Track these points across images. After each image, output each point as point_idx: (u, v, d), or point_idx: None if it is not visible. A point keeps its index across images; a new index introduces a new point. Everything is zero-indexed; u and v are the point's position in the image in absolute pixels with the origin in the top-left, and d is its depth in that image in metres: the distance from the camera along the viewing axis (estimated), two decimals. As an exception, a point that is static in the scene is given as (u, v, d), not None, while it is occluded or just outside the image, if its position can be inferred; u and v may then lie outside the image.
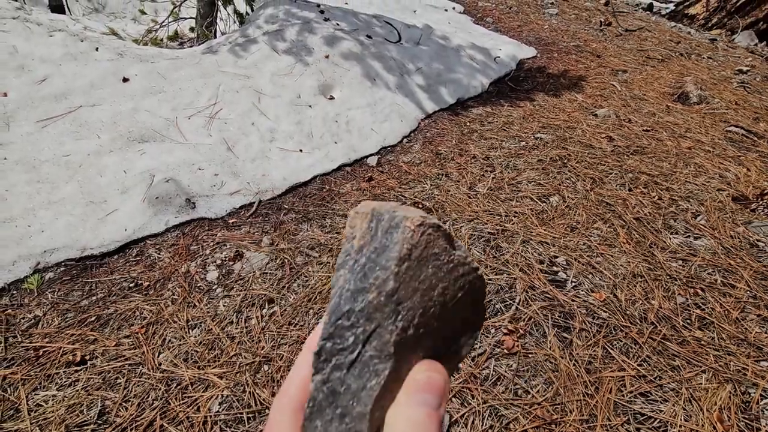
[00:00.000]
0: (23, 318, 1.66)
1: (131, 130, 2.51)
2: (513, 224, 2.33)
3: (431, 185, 2.69)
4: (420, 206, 2.45)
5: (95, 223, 2.07)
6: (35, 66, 2.62)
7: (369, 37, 3.93)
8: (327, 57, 3.48)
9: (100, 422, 1.34)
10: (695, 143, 3.27)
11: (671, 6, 8.67)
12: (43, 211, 2.04)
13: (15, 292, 1.77)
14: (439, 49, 4.32)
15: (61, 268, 1.90)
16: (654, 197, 2.59)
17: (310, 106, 3.13)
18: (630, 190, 2.66)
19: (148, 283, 1.87)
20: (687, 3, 7.86)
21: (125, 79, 2.77)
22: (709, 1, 7.39)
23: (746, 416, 1.42)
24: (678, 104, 4.01)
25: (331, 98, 3.29)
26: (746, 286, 1.95)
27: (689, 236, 2.28)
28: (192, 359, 1.55)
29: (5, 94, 2.44)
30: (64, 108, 2.51)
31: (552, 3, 7.04)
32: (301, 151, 2.83)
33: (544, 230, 2.28)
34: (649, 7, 8.09)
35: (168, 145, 2.52)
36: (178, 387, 1.45)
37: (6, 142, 2.26)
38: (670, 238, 2.25)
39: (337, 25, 3.94)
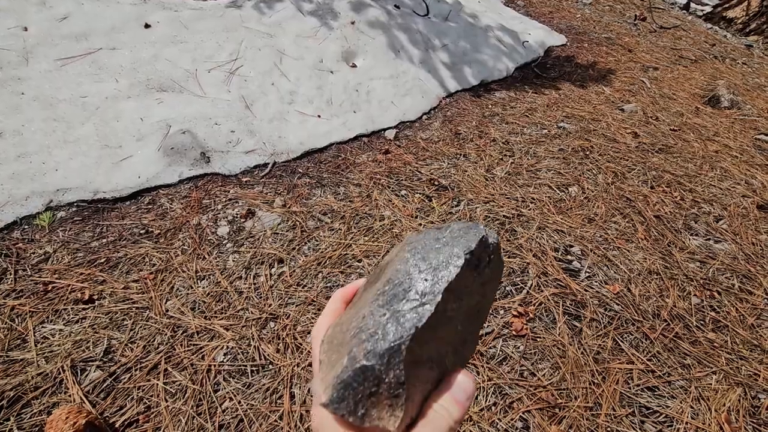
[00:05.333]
0: (33, 253, 1.65)
1: (150, 78, 2.46)
2: (529, 210, 2.28)
3: (448, 164, 2.63)
4: (436, 183, 2.41)
5: (109, 167, 2.04)
6: (57, 2, 2.55)
7: (397, 7, 3.81)
8: (353, 23, 3.38)
9: (105, 360, 1.34)
10: (722, 147, 3.18)
11: (708, 7, 8.37)
12: (58, 150, 2.01)
13: (26, 227, 1.75)
14: (467, 27, 4.18)
15: (73, 209, 1.88)
16: (676, 197, 2.52)
17: (331, 71, 3.06)
18: (652, 187, 2.59)
19: (158, 231, 1.85)
20: (726, 5, 7.58)
21: (147, 26, 2.70)
22: (750, 5, 7.12)
23: (754, 420, 1.40)
24: (708, 107, 3.89)
25: (354, 66, 3.21)
26: (764, 293, 1.91)
27: (710, 239, 2.23)
28: (199, 309, 1.54)
29: (26, 29, 2.39)
30: (83, 49, 2.45)
31: (587, -8, 6.80)
32: (319, 116, 2.77)
33: (561, 219, 2.24)
34: (686, 7, 7.81)
35: (186, 96, 2.47)
36: (184, 334, 1.45)
37: (24, 77, 2.21)
38: (689, 239, 2.20)
39: (366, -9, 3.81)
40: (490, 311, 1.67)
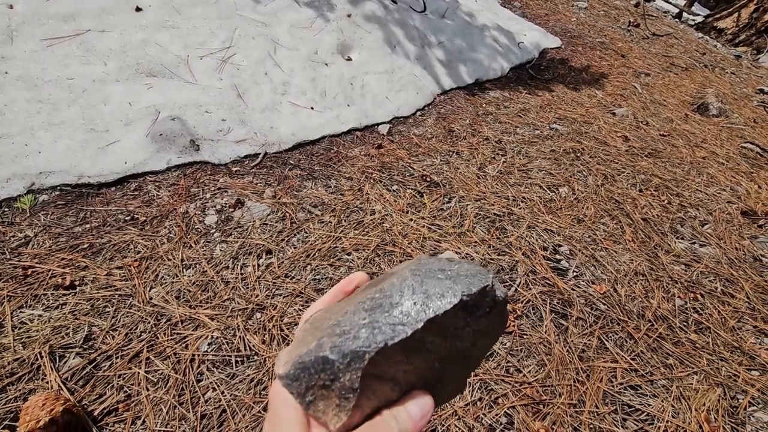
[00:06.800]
0: (13, 236, 1.60)
1: (140, 62, 2.40)
2: (520, 209, 2.29)
3: (441, 161, 2.63)
4: (428, 179, 2.40)
5: (95, 152, 1.99)
6: (45, -19, 2.47)
7: (394, 2, 3.79)
8: (349, 16, 3.35)
9: (86, 347, 1.31)
10: (710, 154, 3.24)
11: (700, 17, 8.50)
12: (42, 132, 1.96)
13: (6, 209, 1.70)
14: (463, 26, 4.18)
15: (56, 192, 1.83)
16: (664, 201, 2.56)
17: (326, 64, 3.03)
18: (641, 190, 2.62)
19: (144, 218, 1.81)
20: (717, 16, 7.71)
21: (138, 9, 2.64)
22: (740, 17, 7.25)
23: (733, 420, 1.42)
24: (697, 114, 3.96)
25: (349, 59, 3.19)
26: (746, 297, 1.95)
27: (695, 243, 2.26)
28: (184, 298, 1.52)
29: (11, 7, 2.31)
30: (71, 29, 2.39)
31: (582, -3, 6.85)
32: (312, 108, 2.74)
33: (551, 218, 2.25)
34: (678, 16, 7.93)
35: (176, 82, 2.42)
36: (168, 323, 1.42)
37: (8, 56, 2.15)
38: (675, 242, 2.23)
39: (364, -15, 3.78)
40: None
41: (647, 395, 1.48)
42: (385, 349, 0.31)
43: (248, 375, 1.34)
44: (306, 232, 1.92)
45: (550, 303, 1.77)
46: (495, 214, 2.22)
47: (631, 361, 1.58)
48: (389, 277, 0.38)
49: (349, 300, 0.38)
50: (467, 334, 0.36)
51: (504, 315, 0.39)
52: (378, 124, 2.90)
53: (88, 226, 1.72)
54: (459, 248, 1.95)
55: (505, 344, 1.57)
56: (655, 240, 2.22)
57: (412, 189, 2.31)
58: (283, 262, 1.74)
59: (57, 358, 1.27)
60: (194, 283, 1.58)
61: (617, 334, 1.68)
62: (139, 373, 1.28)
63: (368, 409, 0.33)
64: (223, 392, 1.28)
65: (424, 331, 0.33)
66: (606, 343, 1.64)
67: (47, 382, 1.21)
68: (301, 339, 0.35)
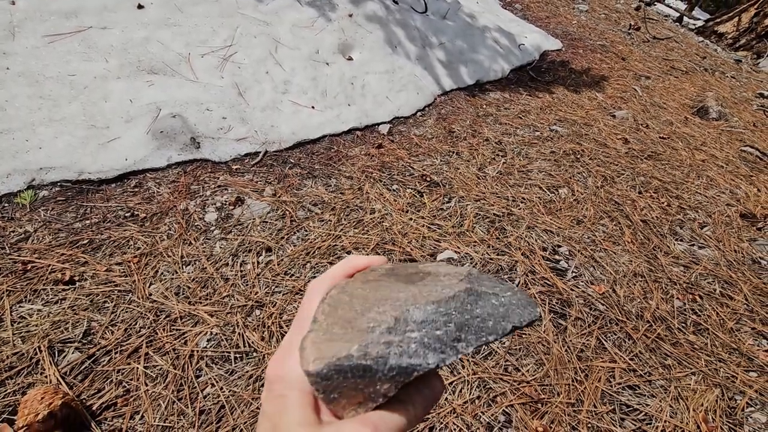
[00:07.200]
0: (13, 231, 1.60)
1: (141, 60, 2.41)
2: (519, 209, 2.29)
3: (441, 161, 2.63)
4: (428, 179, 2.41)
5: (96, 148, 1.99)
6: (47, -22, 2.48)
7: (395, 2, 3.80)
8: (350, 16, 3.36)
9: (85, 341, 1.31)
10: (709, 157, 3.24)
11: (701, 21, 8.53)
12: (43, 128, 1.96)
13: (6, 205, 1.70)
14: (464, 27, 4.19)
15: (56, 188, 1.83)
16: (663, 203, 2.56)
17: (327, 63, 3.03)
18: (640, 192, 2.63)
19: (144, 215, 1.81)
20: (717, 20, 7.74)
21: (140, 6, 2.65)
22: (740, 21, 7.27)
23: (731, 421, 1.42)
24: (696, 117, 3.97)
25: (350, 59, 3.19)
26: (744, 299, 1.95)
27: (694, 245, 2.27)
28: (183, 294, 1.52)
29: (13, 2, 2.32)
30: (73, 26, 2.39)
31: None
32: (313, 108, 2.75)
33: (550, 219, 2.25)
34: (679, 20, 7.95)
35: (178, 80, 2.43)
36: (167, 319, 1.42)
37: (10, 52, 2.15)
38: (674, 244, 2.24)
39: (365, -15, 3.79)
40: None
41: (645, 395, 1.48)
42: (434, 368, 0.30)
43: (247, 371, 1.34)
44: (306, 231, 1.92)
45: (549, 303, 1.77)
46: (494, 214, 2.22)
47: (630, 361, 1.58)
48: (433, 282, 0.35)
49: (376, 287, 0.35)
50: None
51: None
52: (378, 124, 2.91)
53: (88, 222, 1.72)
54: (458, 248, 1.95)
55: (504, 343, 1.57)
56: (654, 241, 2.22)
57: (412, 189, 2.31)
58: (282, 260, 1.74)
59: (56, 352, 1.27)
60: (194, 279, 1.58)
61: (616, 335, 1.69)
62: (137, 368, 1.28)
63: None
64: (221, 388, 1.28)
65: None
66: (604, 343, 1.64)
67: (46, 377, 1.21)
68: (326, 327, 0.32)
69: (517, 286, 1.80)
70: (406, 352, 0.29)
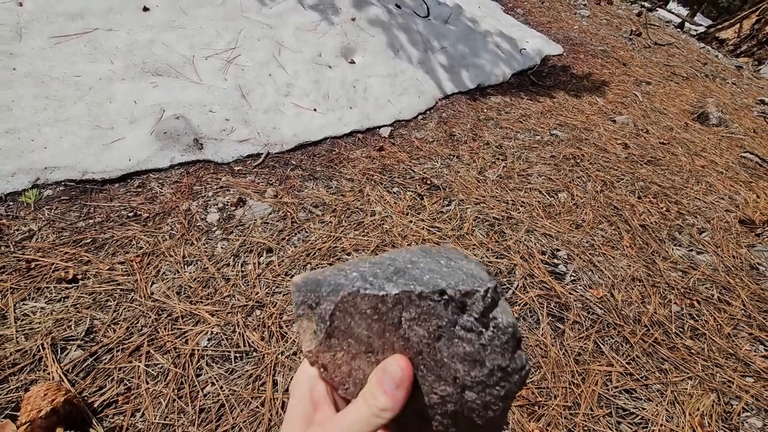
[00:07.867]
0: (17, 230, 1.62)
1: (146, 61, 2.43)
2: (519, 213, 2.31)
3: (441, 164, 2.65)
4: (428, 182, 2.42)
5: (100, 148, 2.01)
6: (54, -20, 2.51)
7: (398, 6, 3.83)
8: (353, 20, 3.38)
9: (87, 339, 1.32)
10: (709, 163, 3.26)
11: (702, 27, 8.56)
12: (48, 128, 1.98)
13: (11, 203, 1.72)
14: (466, 31, 4.22)
15: (61, 188, 1.85)
16: (662, 208, 2.58)
17: (330, 66, 3.06)
18: (639, 197, 2.64)
19: (147, 215, 1.83)
20: (719, 27, 7.76)
21: (145, 9, 2.67)
22: (742, 28, 7.30)
23: (726, 425, 1.43)
24: (697, 123, 3.98)
25: (352, 62, 3.22)
26: (742, 305, 1.96)
27: (692, 250, 2.28)
28: (185, 293, 1.53)
29: (21, 4, 2.35)
30: (79, 28, 2.42)
31: (584, 4, 6.91)
32: (315, 110, 2.77)
33: (550, 223, 2.27)
34: (681, 26, 7.98)
35: (182, 82, 2.45)
36: (169, 318, 1.44)
37: (17, 53, 2.17)
38: (673, 249, 2.25)
39: (368, -10, 3.82)
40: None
41: (642, 399, 1.49)
42: (357, 295, 0.34)
43: (247, 371, 1.35)
44: (306, 232, 1.93)
45: (547, 306, 1.78)
46: (494, 217, 2.24)
47: (627, 365, 1.59)
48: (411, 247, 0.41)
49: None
50: (455, 346, 0.32)
51: (510, 358, 0.32)
52: (380, 127, 2.93)
53: (91, 221, 1.74)
54: (457, 250, 1.96)
55: (502, 346, 1.58)
56: (652, 246, 2.24)
57: (412, 191, 2.33)
58: (283, 261, 1.76)
59: (59, 350, 1.29)
60: (195, 279, 1.59)
61: (613, 339, 1.70)
62: (139, 366, 1.30)
63: (343, 364, 0.35)
64: (221, 387, 1.30)
65: (397, 302, 0.33)
66: (602, 346, 1.65)
67: (49, 374, 1.22)
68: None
69: (516, 288, 1.81)
70: (346, 277, 0.35)
